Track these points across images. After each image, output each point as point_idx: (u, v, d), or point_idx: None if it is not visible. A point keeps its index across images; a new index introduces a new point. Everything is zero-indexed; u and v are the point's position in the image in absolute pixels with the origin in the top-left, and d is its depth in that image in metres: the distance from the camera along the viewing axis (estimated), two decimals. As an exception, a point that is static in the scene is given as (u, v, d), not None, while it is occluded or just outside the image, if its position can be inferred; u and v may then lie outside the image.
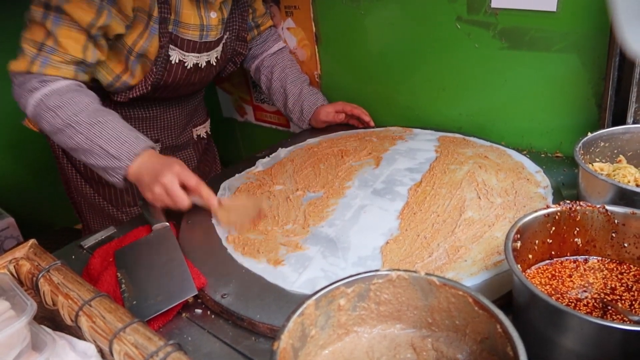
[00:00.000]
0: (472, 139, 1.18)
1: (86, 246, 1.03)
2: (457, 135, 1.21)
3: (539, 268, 0.73)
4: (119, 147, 0.98)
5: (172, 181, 0.93)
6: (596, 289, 0.69)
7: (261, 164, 1.20)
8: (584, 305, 0.66)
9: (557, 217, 0.72)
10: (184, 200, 0.95)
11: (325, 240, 0.89)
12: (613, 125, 0.93)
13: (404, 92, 1.33)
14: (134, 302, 0.81)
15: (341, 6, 1.33)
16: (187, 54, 1.15)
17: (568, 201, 0.72)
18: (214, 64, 1.24)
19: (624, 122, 0.90)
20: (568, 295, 0.68)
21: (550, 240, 0.73)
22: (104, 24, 1.01)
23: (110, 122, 0.99)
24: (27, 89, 1.00)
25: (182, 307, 0.81)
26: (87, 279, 0.92)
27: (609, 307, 0.65)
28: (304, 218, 0.96)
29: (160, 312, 0.78)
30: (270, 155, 1.24)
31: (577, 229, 0.73)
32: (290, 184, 1.09)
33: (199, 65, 1.20)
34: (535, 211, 0.72)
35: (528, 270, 0.73)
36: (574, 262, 0.74)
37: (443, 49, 1.20)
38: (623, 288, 0.68)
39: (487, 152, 1.10)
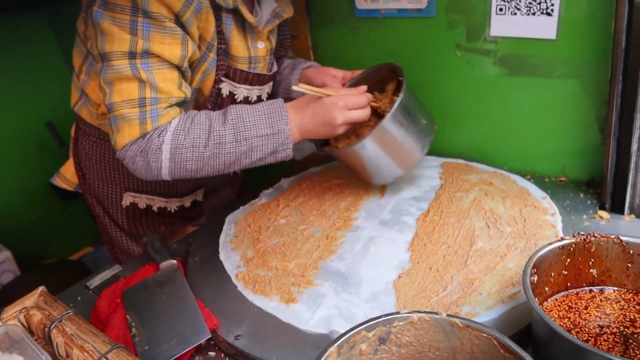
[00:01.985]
0: (475, 164, 1.19)
1: (92, 287, 1.01)
2: (460, 161, 1.22)
3: (556, 300, 0.73)
4: (269, 123, 0.92)
5: (345, 115, 0.93)
6: (615, 321, 0.68)
7: (265, 196, 1.20)
8: (605, 340, 0.65)
9: (572, 249, 0.72)
10: (366, 115, 0.96)
11: (336, 275, 0.88)
12: (618, 151, 0.93)
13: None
14: (146, 347, 0.79)
15: (340, 35, 1.34)
16: (238, 85, 1.07)
17: (582, 233, 0.72)
18: (265, 99, 1.13)
19: (629, 148, 0.91)
20: (587, 328, 0.68)
21: (566, 272, 0.73)
22: (190, 55, 0.93)
23: (241, 112, 0.93)
24: (151, 150, 0.90)
25: (195, 350, 0.80)
26: (95, 322, 0.90)
27: (631, 341, 0.64)
28: (313, 253, 0.95)
29: (174, 358, 0.76)
30: (274, 186, 1.24)
31: (592, 259, 0.73)
32: (296, 216, 1.08)
33: (250, 99, 1.10)
34: (550, 244, 0.72)
35: (545, 303, 0.73)
36: (590, 292, 0.74)
37: (443, 76, 1.21)
38: (642, 320, 0.68)
39: (491, 178, 1.10)
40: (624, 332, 0.66)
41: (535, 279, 0.69)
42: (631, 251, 0.70)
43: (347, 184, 1.19)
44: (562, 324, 0.69)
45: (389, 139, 0.96)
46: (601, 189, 1.00)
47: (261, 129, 0.92)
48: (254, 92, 1.10)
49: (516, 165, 1.18)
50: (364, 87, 1.00)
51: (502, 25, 1.07)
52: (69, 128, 1.23)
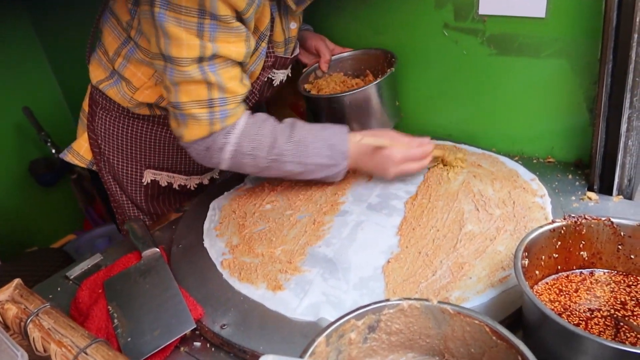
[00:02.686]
0: (463, 146, 1.17)
1: (72, 277, 0.98)
2: (448, 142, 1.20)
3: (546, 284, 0.72)
4: (329, 155, 0.96)
5: (400, 170, 0.98)
6: (606, 304, 0.68)
7: (250, 181, 1.17)
8: (595, 324, 0.65)
9: (562, 232, 0.71)
10: (423, 166, 1.01)
11: (324, 261, 0.86)
12: (607, 132, 0.92)
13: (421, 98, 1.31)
14: (129, 339, 0.77)
15: (326, 13, 1.30)
16: (277, 71, 1.09)
17: (573, 215, 0.71)
18: (290, 75, 1.17)
19: (618, 128, 0.90)
20: (578, 312, 0.67)
21: (557, 255, 0.72)
22: (252, 51, 0.95)
23: (307, 135, 0.96)
24: (216, 148, 0.93)
25: (180, 340, 0.78)
26: (75, 314, 0.88)
27: (622, 324, 0.64)
28: (300, 238, 0.93)
29: (158, 349, 0.74)
30: (260, 171, 1.21)
31: (583, 242, 0.72)
32: (282, 201, 1.06)
33: (282, 81, 1.13)
34: (541, 227, 0.71)
35: (536, 287, 0.72)
36: (580, 275, 0.73)
37: (431, 56, 1.18)
38: (634, 302, 0.67)
39: (479, 160, 1.09)
40: (615, 315, 0.66)
41: (526, 262, 0.68)
42: (622, 233, 0.70)
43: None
44: (553, 307, 0.68)
45: (370, 101, 1.11)
46: (589, 169, 0.99)
47: (321, 158, 0.96)
48: (285, 74, 1.13)
49: (504, 147, 1.17)
50: (427, 139, 1.03)
51: (490, 3, 1.04)
52: (47, 114, 1.19)
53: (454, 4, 1.09)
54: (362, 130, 1.02)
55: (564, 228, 0.71)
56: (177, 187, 1.21)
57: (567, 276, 0.73)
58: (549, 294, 0.70)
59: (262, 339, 0.74)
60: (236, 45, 0.88)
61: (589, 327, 0.65)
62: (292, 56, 1.12)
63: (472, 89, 1.16)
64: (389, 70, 1.12)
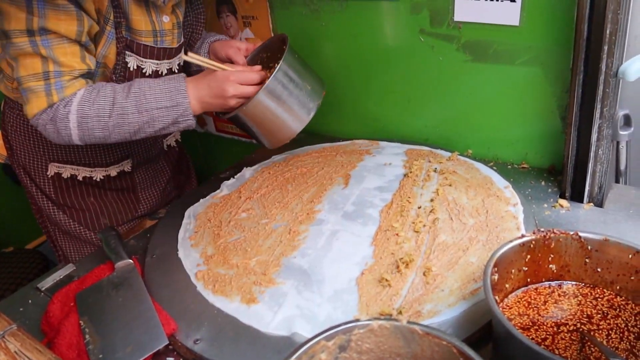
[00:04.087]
0: (439, 151, 1.18)
1: (43, 288, 0.96)
2: (424, 147, 1.20)
3: (516, 296, 0.73)
4: (168, 97, 0.98)
5: (236, 88, 0.99)
6: (573, 318, 0.69)
7: (226, 187, 1.16)
8: (562, 338, 0.66)
9: (532, 246, 0.72)
10: (254, 87, 1.01)
11: (299, 272, 0.86)
12: (578, 141, 0.94)
13: (369, 104, 1.31)
14: (100, 356, 0.76)
15: (301, 17, 1.29)
16: (144, 60, 1.10)
17: (542, 229, 0.72)
18: (176, 71, 1.18)
19: (588, 138, 0.91)
20: (545, 326, 0.68)
21: (526, 268, 0.73)
22: (88, 29, 0.97)
23: (144, 86, 0.98)
24: (59, 119, 0.96)
25: (152, 356, 0.77)
26: (46, 329, 0.87)
27: (587, 339, 0.65)
28: (275, 249, 0.93)
29: (129, 368, 0.74)
30: (235, 176, 1.20)
31: (552, 255, 0.73)
32: (258, 209, 1.05)
33: (160, 73, 1.14)
34: (511, 241, 0.71)
35: (506, 300, 0.73)
36: (549, 287, 0.74)
37: (407, 61, 1.18)
38: (599, 316, 0.68)
39: (455, 167, 1.09)
40: (581, 329, 0.67)
41: (496, 277, 0.69)
42: (589, 247, 0.71)
43: (310, 173, 1.16)
44: (521, 321, 0.69)
45: (269, 106, 1.03)
46: (562, 177, 1.01)
47: (161, 102, 0.98)
48: (163, 65, 1.14)
49: (480, 152, 1.18)
50: (258, 67, 1.07)
51: (466, 10, 1.04)
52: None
53: (430, 10, 1.09)
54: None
55: (533, 242, 0.72)
56: (81, 179, 1.22)
57: (536, 289, 0.74)
58: (518, 307, 0.71)
59: (236, 354, 0.74)
60: (66, 23, 0.93)
61: (556, 341, 0.66)
62: (176, 46, 1.14)
63: (448, 94, 1.17)
64: (275, 65, 1.02)
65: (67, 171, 1.20)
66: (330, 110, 1.38)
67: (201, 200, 1.13)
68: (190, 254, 0.96)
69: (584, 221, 0.93)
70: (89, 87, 0.99)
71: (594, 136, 0.90)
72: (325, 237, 0.94)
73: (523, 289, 0.74)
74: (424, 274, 0.81)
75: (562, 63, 0.97)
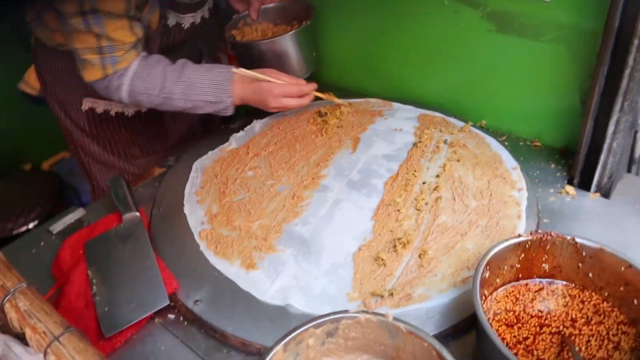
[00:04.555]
0: (452, 120, 1.15)
1: (55, 232, 1.01)
2: (437, 114, 1.18)
3: (506, 290, 0.75)
4: (214, 93, 1.06)
5: (278, 102, 1.08)
6: (557, 319, 0.71)
7: (235, 140, 1.16)
8: (542, 340, 0.69)
9: (527, 246, 0.73)
10: (302, 104, 1.12)
11: (299, 241, 0.89)
12: (594, 130, 0.91)
13: (387, 61, 1.27)
14: (106, 309, 0.81)
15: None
16: (183, 15, 1.16)
17: (540, 231, 0.72)
18: (207, 17, 1.24)
19: (605, 129, 0.88)
20: (529, 325, 0.71)
21: (519, 265, 0.74)
22: (136, 4, 1.02)
23: (194, 76, 1.06)
24: (113, 88, 1.06)
25: (155, 312, 0.82)
26: (57, 274, 0.92)
27: (565, 344, 0.67)
28: (278, 213, 0.95)
29: (131, 324, 0.79)
30: (245, 129, 1.20)
31: (546, 256, 0.74)
32: (265, 169, 1.06)
33: (194, 24, 1.20)
34: (507, 240, 0.72)
35: (495, 293, 0.75)
36: (539, 284, 0.76)
37: (429, 23, 1.12)
38: (583, 320, 0.70)
39: (466, 139, 1.08)
40: (563, 332, 0.69)
41: (487, 275, 0.70)
42: (584, 253, 0.71)
43: (319, 131, 1.15)
44: (506, 317, 0.72)
45: (285, 50, 1.17)
46: (572, 161, 0.99)
47: (207, 95, 1.07)
48: (197, 16, 1.20)
49: (494, 124, 1.15)
50: (303, 81, 1.12)
51: (497, -24, 0.97)
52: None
53: (458, -29, 1.02)
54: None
55: (529, 242, 0.72)
56: (113, 114, 1.26)
57: (527, 284, 0.76)
58: (506, 302, 0.74)
59: (232, 319, 0.78)
60: (114, 1, 0.97)
61: (536, 342, 0.69)
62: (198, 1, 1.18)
63: (467, 61, 1.12)
64: (304, 22, 1.18)
65: (100, 106, 1.24)
66: (347, 64, 1.34)
67: (209, 152, 1.14)
68: (195, 211, 0.98)
69: (587, 212, 0.92)
70: (142, 61, 1.05)
71: (611, 128, 0.88)
72: (328, 205, 0.95)
73: (514, 283, 0.76)
74: (419, 256, 0.83)
75: (589, 47, 0.91)
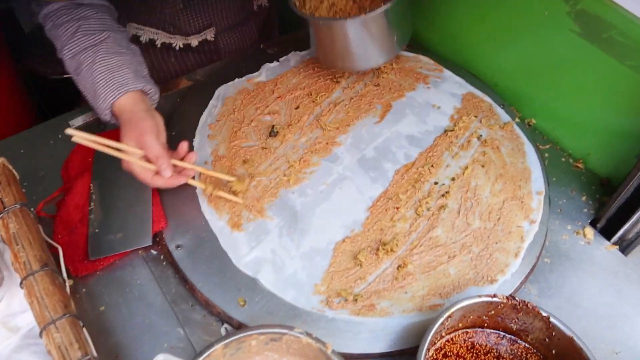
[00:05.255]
0: (499, 110, 1.04)
1: (74, 126, 1.03)
2: (485, 98, 1.06)
3: (466, 333, 0.74)
4: (101, 91, 0.87)
5: (128, 169, 0.85)
6: (502, 381, 0.71)
7: (265, 71, 1.10)
8: (478, 401, 0.69)
9: (500, 306, 0.70)
10: (172, 184, 0.87)
11: (290, 212, 0.88)
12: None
13: (453, 22, 1.12)
14: (97, 230, 0.86)
15: None
16: None
17: (517, 300, 0.69)
18: None
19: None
20: (473, 379, 0.71)
21: (486, 317, 0.73)
22: None
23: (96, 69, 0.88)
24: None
25: (138, 245, 0.86)
26: (65, 176, 0.96)
27: (498, 412, 0.68)
28: (280, 174, 0.93)
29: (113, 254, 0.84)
30: (280, 59, 1.13)
31: (516, 319, 0.71)
32: (284, 116, 1.02)
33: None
34: (479, 297, 0.69)
35: (454, 334, 0.74)
36: (502, 337, 0.74)
37: (507, 2, 0.96)
38: (525, 393, 0.70)
39: (502, 141, 0.98)
40: (500, 399, 0.69)
41: (449, 322, 0.69)
42: (554, 333, 0.68)
43: (351, 87, 1.07)
44: (453, 363, 0.72)
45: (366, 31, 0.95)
46: (607, 199, 0.90)
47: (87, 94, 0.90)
48: None
49: (543, 126, 1.03)
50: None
51: (601, -30, 0.79)
52: None
53: (561, -52, 0.84)
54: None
55: (502, 304, 0.70)
56: (159, 45, 1.17)
57: (489, 334, 0.75)
58: (461, 347, 0.73)
59: (204, 275, 0.81)
60: None
61: (471, 399, 0.70)
62: None
63: (535, 50, 0.97)
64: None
65: (146, 34, 1.15)
66: (419, 11, 1.19)
67: (236, 80, 1.09)
68: (204, 146, 0.98)
69: (596, 264, 0.86)
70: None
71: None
72: (331, 180, 0.92)
73: (477, 329, 0.75)
74: (397, 267, 0.82)
75: (675, 93, 0.77)
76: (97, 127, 1.03)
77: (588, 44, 0.87)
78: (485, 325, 0.74)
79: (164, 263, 0.86)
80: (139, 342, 0.77)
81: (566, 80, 0.96)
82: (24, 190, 0.80)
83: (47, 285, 0.68)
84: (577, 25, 0.86)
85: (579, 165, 0.99)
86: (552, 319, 0.68)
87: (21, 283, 0.68)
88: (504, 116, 1.03)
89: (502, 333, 0.74)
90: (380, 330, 0.76)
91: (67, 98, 1.36)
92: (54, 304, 0.66)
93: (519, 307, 0.69)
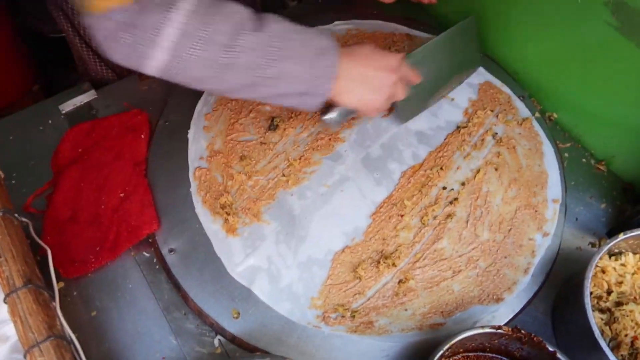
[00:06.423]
0: (518, 103, 0.96)
1: (64, 111, 0.98)
2: (504, 89, 0.98)
3: (467, 357, 0.71)
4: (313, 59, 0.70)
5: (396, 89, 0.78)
6: (501, 410, 0.69)
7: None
8: None
9: (505, 336, 0.66)
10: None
11: (288, 216, 0.84)
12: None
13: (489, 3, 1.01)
14: (86, 230, 0.83)
15: None
16: None
17: (524, 331, 0.65)
18: None
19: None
20: (470, 406, 0.69)
21: (488, 344, 0.69)
22: None
23: (285, 26, 0.69)
24: (147, 27, 0.61)
25: (136, 244, 0.83)
26: (54, 168, 0.91)
27: None
28: (279, 173, 0.88)
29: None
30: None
31: (520, 347, 0.68)
32: (285, 109, 0.95)
33: None
34: (482, 327, 0.66)
35: (454, 357, 0.71)
36: (504, 363, 0.71)
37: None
38: None
39: (520, 139, 0.91)
40: None
41: (450, 351, 0.66)
42: (559, 368, 0.65)
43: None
44: (451, 390, 0.70)
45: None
46: (628, 208, 0.84)
47: (303, 60, 0.69)
48: None
49: (565, 122, 0.96)
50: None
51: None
52: None
53: None
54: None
55: (506, 336, 0.66)
56: None
57: (491, 357, 0.72)
58: (460, 370, 0.71)
59: (197, 282, 0.78)
60: None
61: None
62: None
63: (562, 40, 0.89)
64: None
65: None
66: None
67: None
68: (199, 139, 0.92)
69: (609, 280, 0.81)
70: None
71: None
72: (333, 181, 0.87)
73: (479, 353, 0.72)
74: (399, 282, 0.78)
75: None
76: (88, 112, 0.98)
77: (623, 39, 0.77)
78: (488, 350, 0.71)
79: (157, 267, 0.83)
80: (131, 350, 0.76)
81: (595, 74, 0.87)
82: (13, 182, 0.75)
83: (30, 304, 0.65)
84: (614, 19, 0.77)
85: (601, 167, 0.92)
86: (559, 355, 0.64)
87: (5, 299, 0.66)
88: (523, 110, 0.95)
89: (505, 358, 0.71)
90: (377, 349, 0.74)
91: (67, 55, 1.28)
92: (37, 325, 0.64)
93: (524, 339, 0.65)
